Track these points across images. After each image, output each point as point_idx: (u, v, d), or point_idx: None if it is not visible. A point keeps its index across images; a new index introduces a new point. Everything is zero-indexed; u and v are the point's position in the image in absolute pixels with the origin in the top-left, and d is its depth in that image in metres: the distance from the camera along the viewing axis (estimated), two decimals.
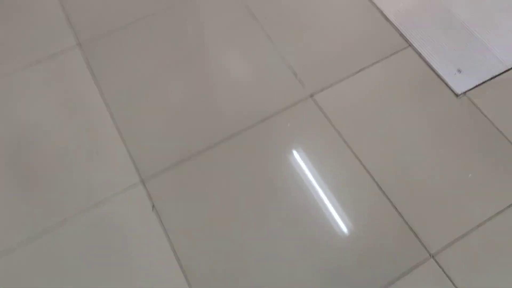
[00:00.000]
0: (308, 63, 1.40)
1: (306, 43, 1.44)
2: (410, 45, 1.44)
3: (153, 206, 1.16)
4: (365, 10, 1.50)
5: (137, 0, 1.51)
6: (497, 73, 1.38)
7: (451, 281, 1.08)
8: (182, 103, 1.33)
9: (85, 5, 1.49)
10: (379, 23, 1.48)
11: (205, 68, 1.40)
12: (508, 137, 1.28)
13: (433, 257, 1.11)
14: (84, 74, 1.36)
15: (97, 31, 1.45)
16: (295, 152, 1.26)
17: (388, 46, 1.44)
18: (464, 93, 1.35)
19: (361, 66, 1.40)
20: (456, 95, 1.34)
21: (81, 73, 1.36)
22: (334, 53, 1.42)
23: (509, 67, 1.39)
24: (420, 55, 1.42)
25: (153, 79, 1.36)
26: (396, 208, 1.17)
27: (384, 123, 1.31)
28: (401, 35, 1.45)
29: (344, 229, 1.15)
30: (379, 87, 1.37)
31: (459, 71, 1.38)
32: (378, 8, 1.50)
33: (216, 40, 1.45)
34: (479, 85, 1.36)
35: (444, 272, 1.09)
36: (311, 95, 1.35)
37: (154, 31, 1.45)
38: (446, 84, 1.36)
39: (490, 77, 1.37)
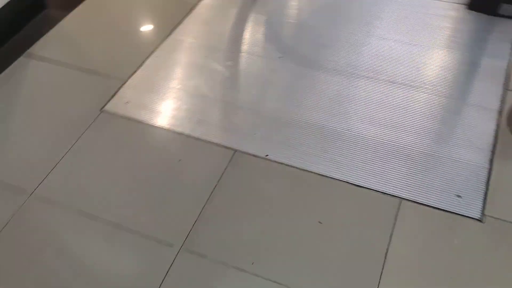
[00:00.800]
0: None
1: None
2: (402, 198, 1.42)
3: None
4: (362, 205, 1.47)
5: None
6: (487, 178, 1.43)
7: None
8: None
9: None
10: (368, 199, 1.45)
11: None
12: None
13: None
14: None
15: None
16: None
17: (383, 212, 1.40)
18: (482, 214, 1.36)
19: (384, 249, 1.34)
20: (479, 220, 1.35)
21: None
22: (336, 262, 1.34)
23: (489, 167, 1.46)
24: (415, 201, 1.41)
25: None
26: None
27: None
28: (387, 194, 1.43)
29: None
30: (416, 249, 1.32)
31: (459, 196, 1.40)
32: (358, 185, 1.48)
33: None
34: (484, 199, 1.39)
35: None
36: None
37: None
38: (462, 215, 1.36)
39: (485, 185, 1.42)
